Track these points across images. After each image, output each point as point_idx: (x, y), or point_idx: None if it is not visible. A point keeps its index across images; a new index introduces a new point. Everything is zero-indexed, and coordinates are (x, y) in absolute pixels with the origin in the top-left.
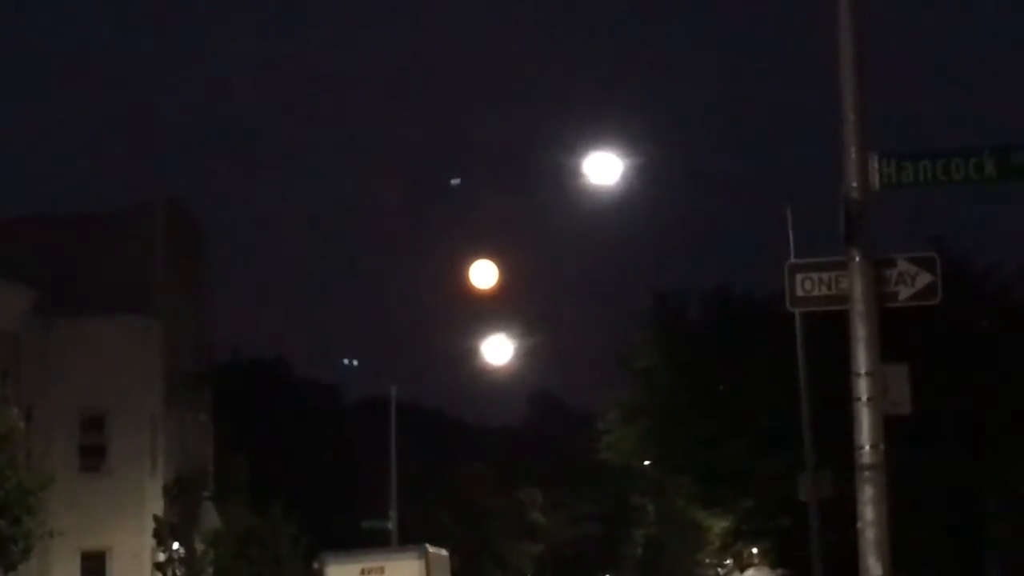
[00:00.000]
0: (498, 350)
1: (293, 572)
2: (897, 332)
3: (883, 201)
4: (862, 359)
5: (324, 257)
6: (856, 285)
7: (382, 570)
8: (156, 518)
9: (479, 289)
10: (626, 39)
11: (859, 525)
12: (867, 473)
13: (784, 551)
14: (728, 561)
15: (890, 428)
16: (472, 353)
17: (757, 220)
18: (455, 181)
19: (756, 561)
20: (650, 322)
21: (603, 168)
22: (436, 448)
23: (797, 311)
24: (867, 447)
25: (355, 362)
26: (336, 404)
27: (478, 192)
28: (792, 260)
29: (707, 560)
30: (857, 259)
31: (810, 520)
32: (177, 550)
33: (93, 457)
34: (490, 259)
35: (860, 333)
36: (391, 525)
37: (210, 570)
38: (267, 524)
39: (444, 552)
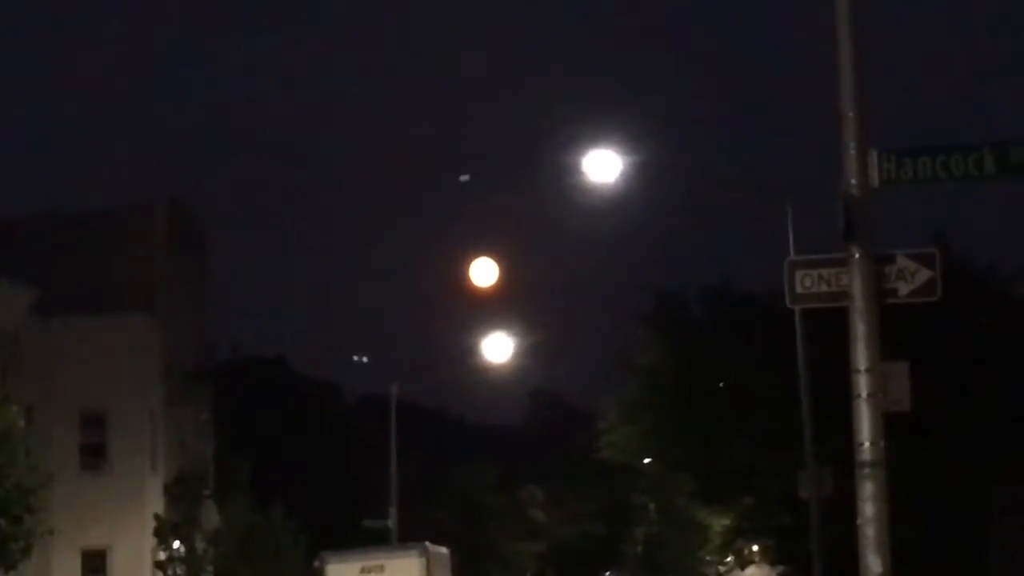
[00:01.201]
0: (499, 348)
1: (293, 570)
2: (897, 330)
3: (885, 197)
4: (862, 356)
5: (325, 255)
6: (856, 282)
7: (382, 568)
8: (157, 516)
9: (479, 287)
10: (627, 36)
11: (859, 522)
12: (867, 470)
13: (785, 549)
14: (729, 559)
15: (890, 425)
16: (473, 351)
17: (757, 217)
18: (464, 177)
19: (757, 559)
20: (651, 319)
21: (603, 165)
22: (437, 446)
23: (797, 308)
24: (867, 444)
25: (364, 358)
26: (337, 402)
27: (478, 189)
28: (792, 257)
29: (708, 558)
30: (857, 256)
31: (811, 518)
32: (178, 548)
33: (93, 456)
34: (490, 257)
35: (860, 330)
36: (391, 523)
37: (211, 568)
38: (268, 522)
39: (444, 550)
